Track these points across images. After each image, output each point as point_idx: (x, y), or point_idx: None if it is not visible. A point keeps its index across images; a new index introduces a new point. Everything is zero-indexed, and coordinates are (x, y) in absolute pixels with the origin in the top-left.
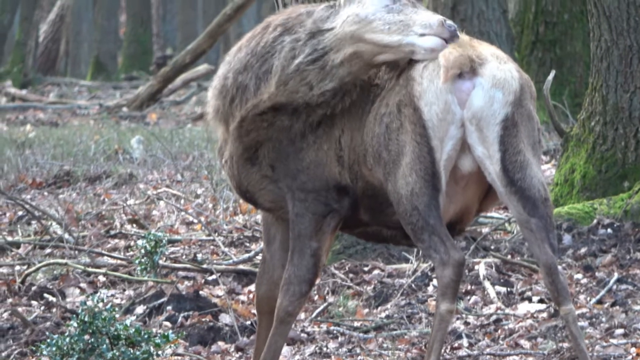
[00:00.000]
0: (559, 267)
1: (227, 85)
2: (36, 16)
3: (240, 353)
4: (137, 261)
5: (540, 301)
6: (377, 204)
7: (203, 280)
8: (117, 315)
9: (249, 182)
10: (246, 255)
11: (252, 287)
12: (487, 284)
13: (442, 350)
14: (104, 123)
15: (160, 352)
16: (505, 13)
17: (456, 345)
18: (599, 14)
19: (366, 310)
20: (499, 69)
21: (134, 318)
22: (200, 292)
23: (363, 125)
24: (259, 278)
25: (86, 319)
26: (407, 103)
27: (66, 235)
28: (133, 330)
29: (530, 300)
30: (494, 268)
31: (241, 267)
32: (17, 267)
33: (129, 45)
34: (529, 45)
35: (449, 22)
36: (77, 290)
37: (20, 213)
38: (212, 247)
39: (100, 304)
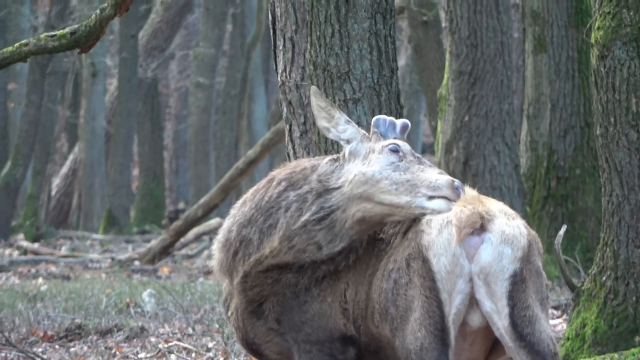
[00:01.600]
0: None
1: (230, 239)
2: (48, 170)
3: None
4: None
5: None
6: None
7: None
8: None
9: (255, 334)
10: None
11: None
12: None
13: None
14: (116, 276)
15: None
16: (517, 168)
17: None
18: (610, 169)
19: None
20: (508, 225)
21: None
22: None
23: (367, 280)
24: None
25: None
26: (415, 256)
27: None
28: None
29: None
30: None
31: None
32: None
33: (141, 199)
34: (540, 200)
35: (457, 182)
36: None
37: None
38: None
39: None
